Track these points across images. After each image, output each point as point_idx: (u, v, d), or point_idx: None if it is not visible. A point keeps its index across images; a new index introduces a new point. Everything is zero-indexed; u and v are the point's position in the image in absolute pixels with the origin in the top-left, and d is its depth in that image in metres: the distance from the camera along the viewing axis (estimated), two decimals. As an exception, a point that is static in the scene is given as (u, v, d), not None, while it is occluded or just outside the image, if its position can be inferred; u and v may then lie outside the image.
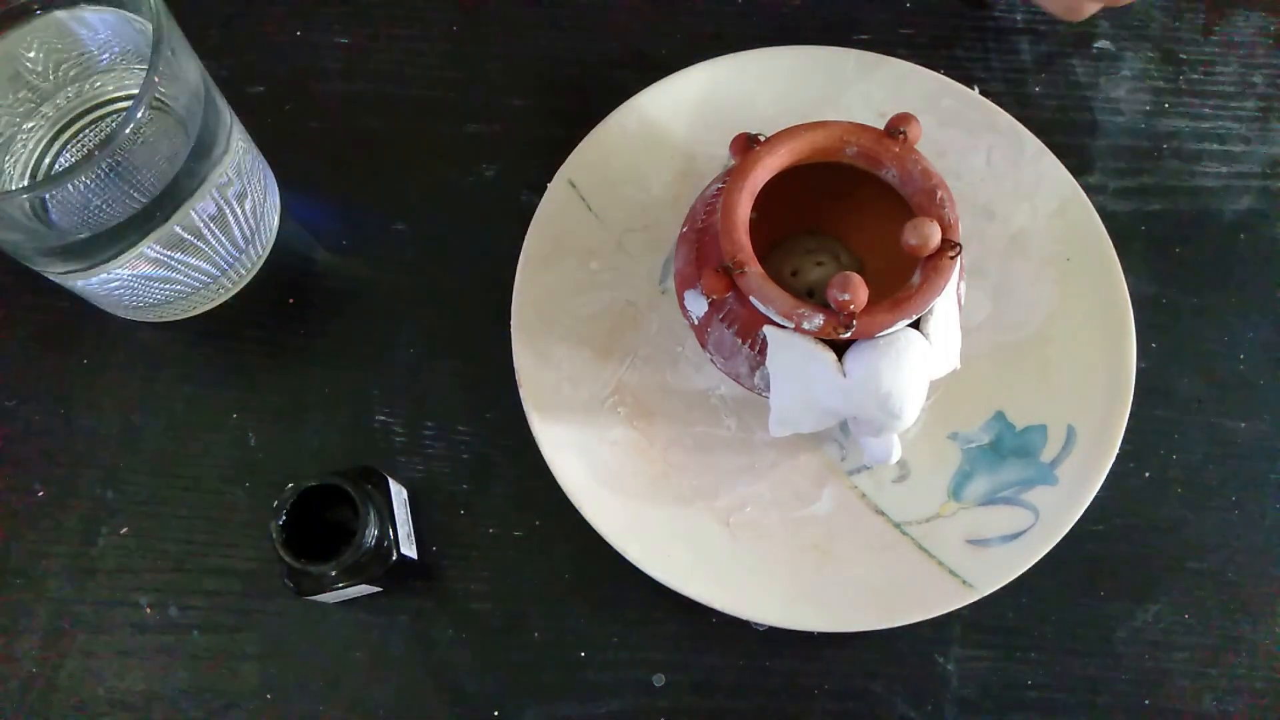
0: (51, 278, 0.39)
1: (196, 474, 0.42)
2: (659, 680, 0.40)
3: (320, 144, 0.46)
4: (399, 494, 0.40)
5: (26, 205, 0.33)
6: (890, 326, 0.34)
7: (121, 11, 0.38)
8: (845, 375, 0.35)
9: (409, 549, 0.40)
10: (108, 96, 0.40)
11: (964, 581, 0.39)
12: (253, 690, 0.40)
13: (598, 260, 0.43)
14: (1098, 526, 0.42)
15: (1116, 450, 0.41)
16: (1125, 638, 0.41)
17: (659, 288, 0.43)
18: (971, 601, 0.39)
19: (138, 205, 0.36)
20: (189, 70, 0.36)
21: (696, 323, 0.38)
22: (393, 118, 0.47)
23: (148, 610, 0.41)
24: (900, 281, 0.35)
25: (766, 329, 0.35)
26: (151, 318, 0.43)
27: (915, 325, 0.35)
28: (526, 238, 0.42)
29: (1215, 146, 0.47)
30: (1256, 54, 0.49)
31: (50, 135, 0.39)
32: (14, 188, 0.38)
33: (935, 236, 0.34)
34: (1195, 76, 0.48)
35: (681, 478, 0.41)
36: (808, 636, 0.40)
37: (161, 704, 0.40)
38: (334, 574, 0.37)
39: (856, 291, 0.33)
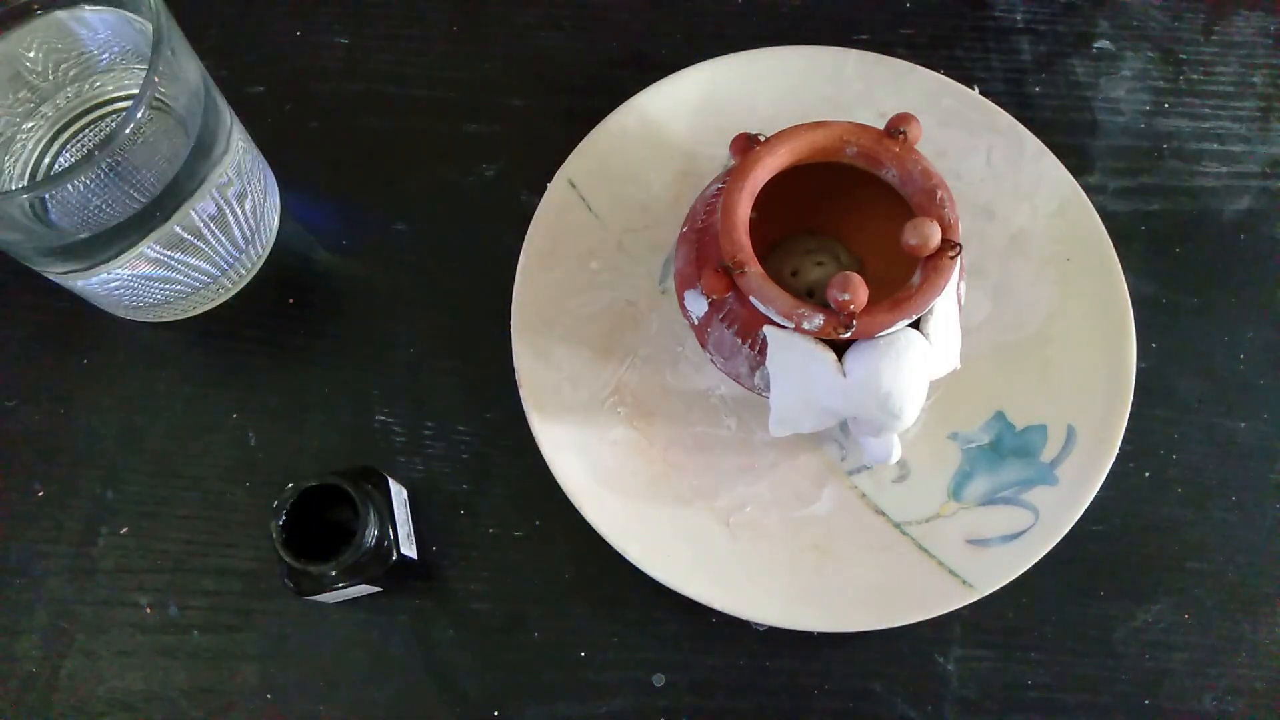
0: (51, 278, 0.39)
1: (196, 474, 0.42)
2: (659, 680, 0.40)
3: (320, 144, 0.46)
4: (399, 494, 0.40)
5: (26, 205, 0.33)
6: (890, 326, 0.34)
7: (121, 11, 0.38)
8: (845, 375, 0.35)
9: (409, 549, 0.40)
10: (108, 96, 0.40)
11: (964, 581, 0.39)
12: (253, 690, 0.40)
13: (598, 260, 0.43)
14: (1098, 526, 0.42)
15: (1116, 450, 0.41)
16: (1125, 638, 0.41)
17: (659, 288, 0.43)
18: (971, 601, 0.39)
19: (138, 205, 0.36)
20: (189, 70, 0.36)
21: (696, 323, 0.38)
22: (393, 118, 0.47)
23: (148, 610, 0.41)
24: (900, 281, 0.35)
25: (766, 329, 0.35)
26: (151, 318, 0.43)
27: (915, 325, 0.35)
28: (526, 238, 0.42)
29: (1215, 146, 0.47)
30: (1256, 54, 0.49)
31: (50, 135, 0.39)
32: (14, 188, 0.39)
33: (935, 236, 0.34)
34: (1195, 76, 0.48)
35: (681, 478, 0.41)
36: (808, 636, 0.40)
37: (161, 704, 0.40)
38: (334, 574, 0.37)
39: (856, 291, 0.33)
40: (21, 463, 0.42)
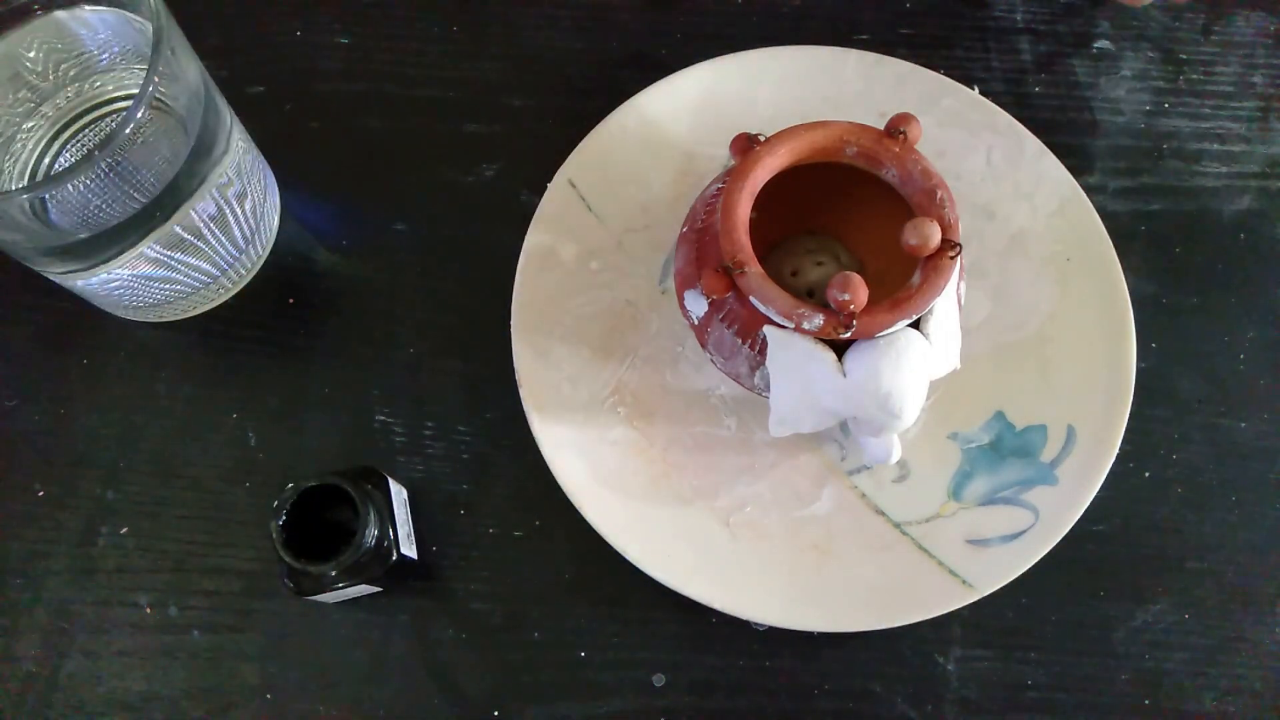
0: (51, 278, 0.39)
1: (196, 474, 0.42)
2: (659, 680, 0.40)
3: (320, 144, 0.46)
4: (399, 494, 0.40)
5: (26, 205, 0.33)
6: (890, 326, 0.34)
7: (121, 11, 0.38)
8: (845, 375, 0.35)
9: (409, 549, 0.40)
10: (108, 96, 0.40)
11: (964, 581, 0.39)
12: (253, 690, 0.40)
13: (598, 260, 0.43)
14: (1098, 526, 0.42)
15: (1116, 450, 0.41)
16: (1125, 638, 0.41)
17: (659, 288, 0.43)
18: (971, 601, 0.39)
19: (138, 205, 0.36)
20: (189, 70, 0.36)
21: (696, 323, 0.38)
22: (393, 118, 0.47)
23: (148, 610, 0.41)
24: (900, 281, 0.35)
25: (766, 329, 0.35)
26: (151, 318, 0.43)
27: (915, 325, 0.35)
28: (526, 238, 0.42)
29: (1215, 146, 0.47)
30: (1256, 54, 0.49)
31: (50, 135, 0.39)
32: (14, 188, 0.38)
33: (935, 236, 0.34)
34: (1195, 76, 0.48)
35: (681, 478, 0.41)
36: (808, 636, 0.40)
37: (161, 704, 0.40)
38: (334, 574, 0.37)
39: (856, 291, 0.33)
40: (21, 463, 0.42)
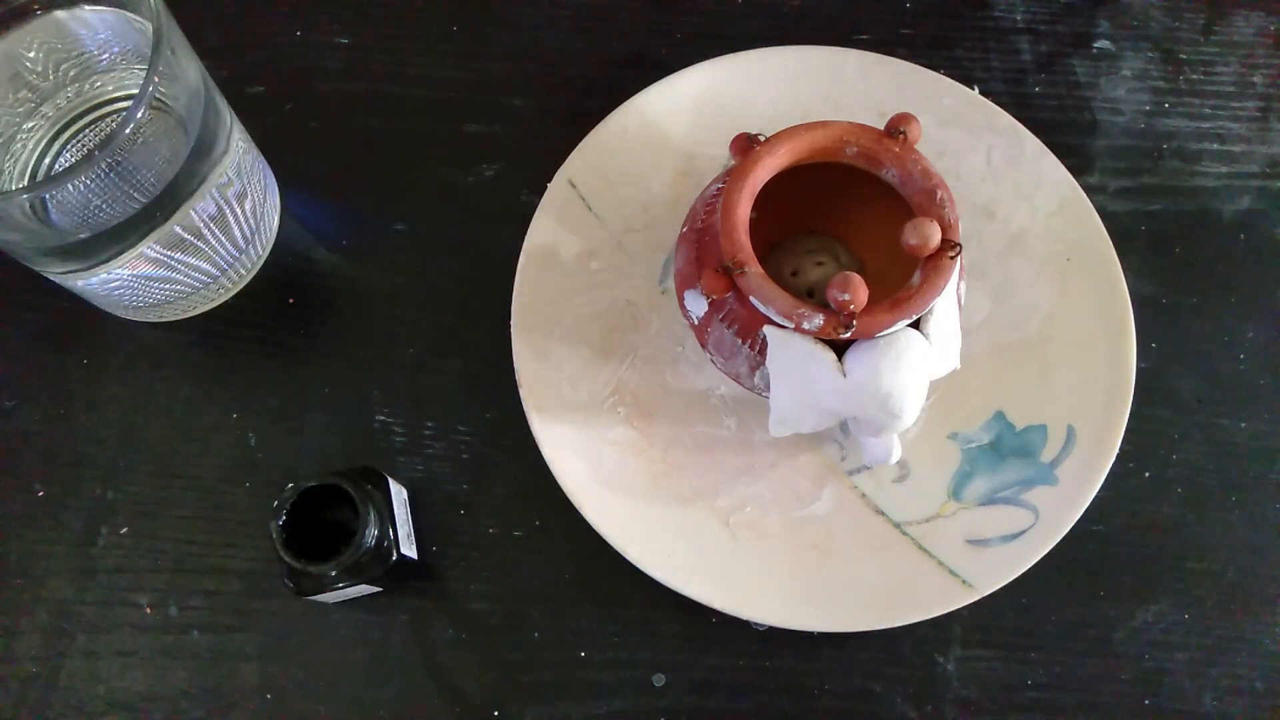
0: (51, 278, 0.39)
1: (196, 474, 0.42)
2: (659, 680, 0.40)
3: (320, 144, 0.46)
4: (399, 494, 0.40)
5: (26, 205, 0.33)
6: (890, 326, 0.34)
7: (121, 11, 0.38)
8: (845, 375, 0.35)
9: (409, 549, 0.40)
10: (108, 96, 0.40)
11: (964, 581, 0.39)
12: (253, 690, 0.40)
13: (598, 260, 0.43)
14: (1098, 526, 0.42)
15: (1116, 450, 0.41)
16: (1125, 638, 0.41)
17: (659, 288, 0.43)
18: (971, 601, 0.39)
19: (138, 205, 0.36)
20: (189, 70, 0.36)
21: (696, 323, 0.38)
22: (393, 118, 0.47)
23: (148, 610, 0.41)
24: (900, 281, 0.35)
25: (766, 329, 0.35)
26: (151, 318, 0.43)
27: (915, 325, 0.35)
28: (526, 238, 0.42)
29: (1215, 146, 0.47)
30: (1256, 54, 0.49)
31: (50, 135, 0.39)
32: (14, 188, 0.38)
33: (935, 236, 0.34)
34: (1195, 76, 0.48)
35: (681, 478, 0.41)
36: (808, 636, 0.40)
37: (161, 704, 0.40)
38: (334, 574, 0.37)
39: (856, 291, 0.33)
40: (21, 463, 0.42)
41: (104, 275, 0.38)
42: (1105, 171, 0.47)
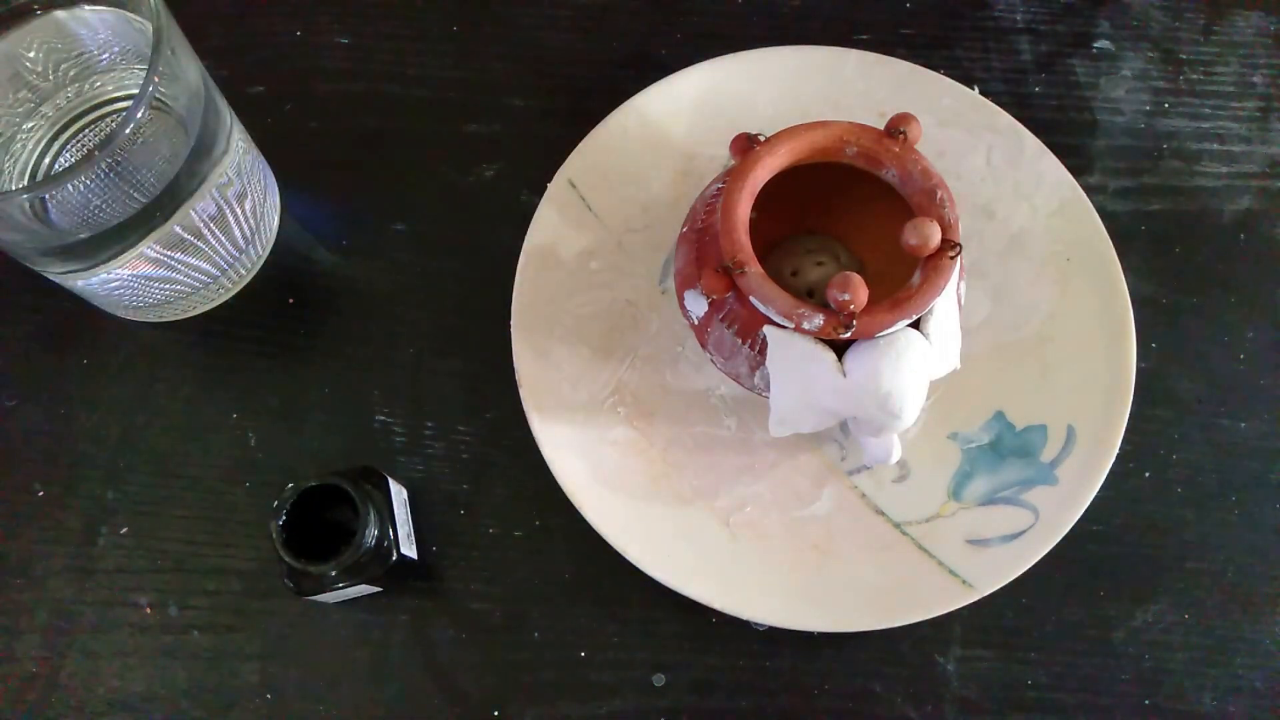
0: (51, 278, 0.39)
1: (196, 474, 0.42)
2: (659, 680, 0.40)
3: (320, 144, 0.46)
4: (399, 494, 0.40)
5: (26, 205, 0.33)
6: (890, 326, 0.34)
7: (121, 11, 0.38)
8: (845, 375, 0.35)
9: (409, 549, 0.40)
10: (108, 96, 0.40)
11: (964, 581, 0.39)
12: (253, 690, 0.40)
13: (598, 260, 0.43)
14: (1098, 526, 0.42)
15: (1116, 450, 0.41)
16: (1125, 638, 0.41)
17: (659, 288, 0.43)
18: (971, 601, 0.39)
19: (138, 205, 0.36)
20: (189, 70, 0.36)
21: (696, 323, 0.38)
22: (393, 118, 0.47)
23: (148, 610, 0.41)
24: (900, 281, 0.35)
25: (766, 329, 0.35)
26: (151, 318, 0.43)
27: (915, 325, 0.35)
28: (526, 237, 0.42)
29: (1215, 146, 0.47)
30: (1256, 54, 0.49)
31: (50, 135, 0.39)
32: (14, 188, 0.38)
33: (935, 236, 0.34)
34: (1195, 76, 0.48)
35: (681, 478, 0.41)
36: (808, 636, 0.40)
37: (161, 704, 0.40)
38: (334, 574, 0.37)
39: (856, 291, 0.33)
40: (21, 463, 0.42)
41: (104, 275, 0.38)
42: (1105, 171, 0.47)
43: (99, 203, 0.34)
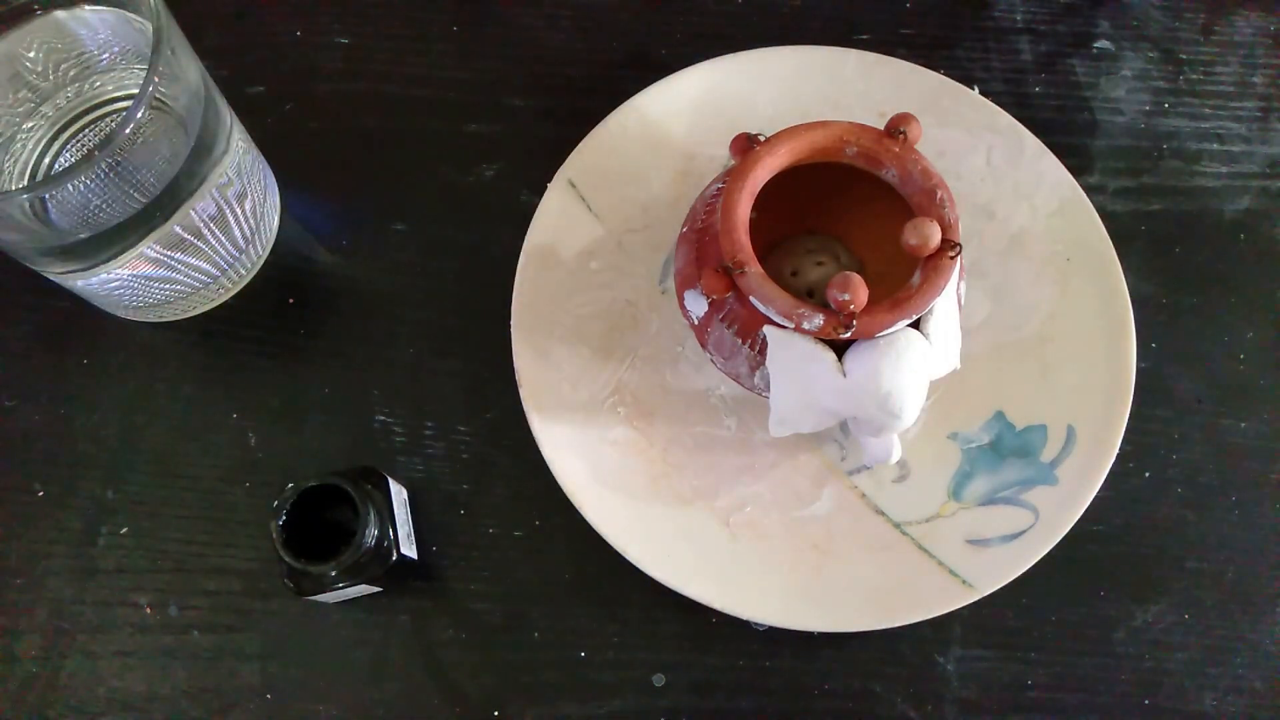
0: (51, 278, 0.39)
1: (196, 474, 0.42)
2: (659, 680, 0.40)
3: (320, 144, 0.46)
4: (399, 494, 0.40)
5: (26, 205, 0.33)
6: (890, 326, 0.34)
7: (121, 11, 0.38)
8: (845, 375, 0.35)
9: (409, 549, 0.40)
10: (108, 96, 0.40)
11: (964, 581, 0.39)
12: (253, 690, 0.40)
13: (598, 260, 0.43)
14: (1098, 526, 0.42)
15: (1116, 450, 0.41)
16: (1125, 638, 0.41)
17: (659, 288, 0.43)
18: (971, 601, 0.39)
19: (138, 205, 0.36)
20: (189, 70, 0.36)
21: (696, 323, 0.38)
22: (393, 118, 0.47)
23: (148, 610, 0.41)
24: (900, 281, 0.35)
25: (766, 329, 0.35)
26: (151, 318, 0.43)
27: (915, 325, 0.35)
28: (526, 238, 0.42)
29: (1215, 146, 0.47)
30: (1256, 54, 0.49)
31: (50, 135, 0.39)
32: (14, 188, 0.38)
33: (935, 236, 0.34)
34: (1195, 76, 0.48)
35: (681, 478, 0.41)
36: (808, 636, 0.40)
37: (161, 704, 0.40)
38: (334, 574, 0.37)
39: (856, 291, 0.33)
40: (21, 463, 0.42)
41: (104, 275, 0.38)
42: (1105, 171, 0.47)
43: (99, 203, 0.34)
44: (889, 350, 0.34)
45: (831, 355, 0.35)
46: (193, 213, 0.38)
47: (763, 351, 0.36)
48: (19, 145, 0.39)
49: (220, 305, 0.44)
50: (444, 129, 0.47)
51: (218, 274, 0.42)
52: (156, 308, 0.42)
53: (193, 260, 0.40)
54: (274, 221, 0.45)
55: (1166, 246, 0.46)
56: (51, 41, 0.39)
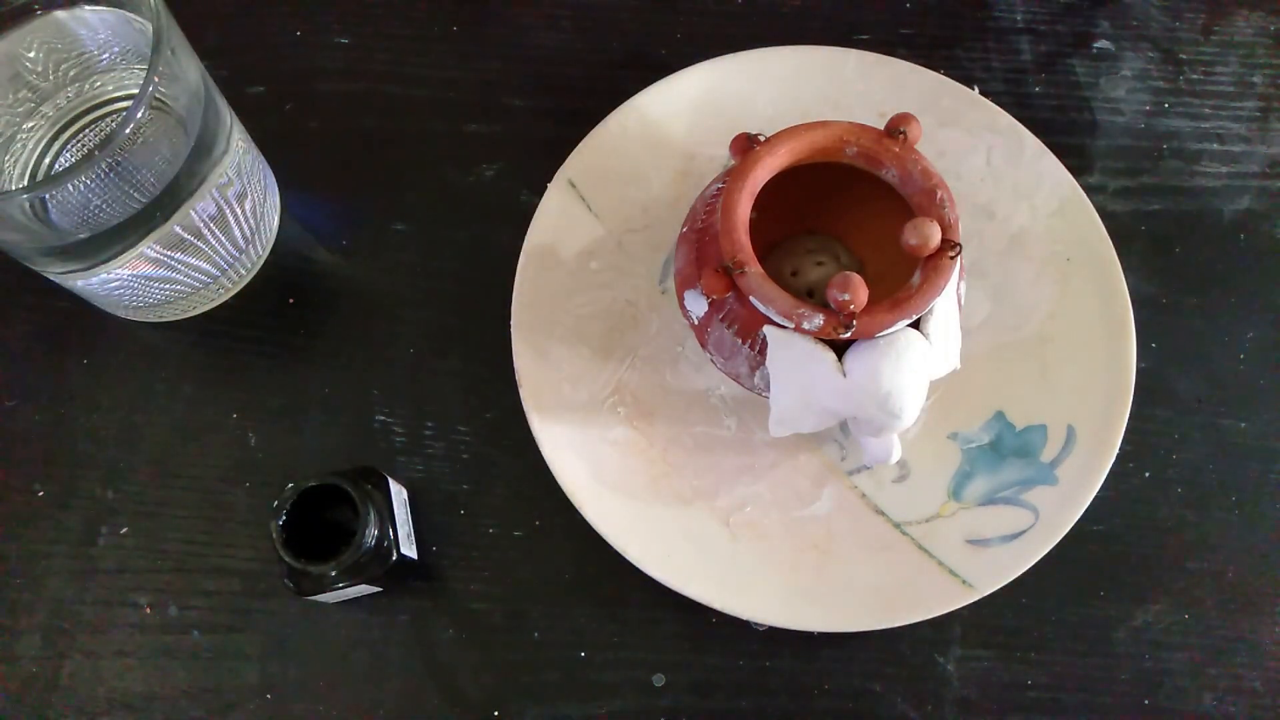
0: (51, 278, 0.39)
1: (196, 474, 0.42)
2: (659, 680, 0.40)
3: (320, 144, 0.46)
4: (399, 494, 0.40)
5: (26, 205, 0.33)
6: (890, 326, 0.34)
7: (121, 11, 0.38)
8: (845, 375, 0.35)
9: (409, 549, 0.40)
10: (108, 96, 0.40)
11: (964, 581, 0.39)
12: (253, 690, 0.40)
13: (598, 260, 0.43)
14: (1098, 526, 0.42)
15: (1116, 450, 0.41)
16: (1125, 638, 0.41)
17: (659, 288, 0.43)
18: (971, 601, 0.39)
19: (138, 205, 0.36)
20: (189, 70, 0.36)
21: (696, 323, 0.38)
22: (393, 118, 0.47)
23: (148, 610, 0.41)
24: (900, 281, 0.35)
25: (766, 329, 0.35)
26: (151, 318, 0.43)
27: (915, 325, 0.35)
28: (526, 238, 0.42)
29: (1215, 146, 0.47)
30: (1256, 54, 0.49)
31: (50, 135, 0.39)
32: (14, 188, 0.39)
33: (935, 236, 0.34)
34: (1195, 76, 0.48)
35: (681, 478, 0.41)
36: (808, 636, 0.40)
37: (161, 704, 0.40)
38: (334, 574, 0.37)
39: (856, 291, 0.33)
40: (21, 463, 0.42)
41: (104, 275, 0.38)
42: (1105, 171, 0.47)
43: (99, 203, 0.34)
44: (889, 350, 0.34)
45: (831, 355, 0.35)
46: (193, 213, 0.38)
47: (763, 351, 0.36)
48: (19, 145, 0.39)
49: (220, 305, 0.44)
50: (444, 129, 0.47)
51: (218, 274, 0.42)
52: (156, 308, 0.42)
53: (193, 260, 0.40)
54: (274, 221, 0.45)
55: (1166, 246, 0.46)
56: (51, 41, 0.39)
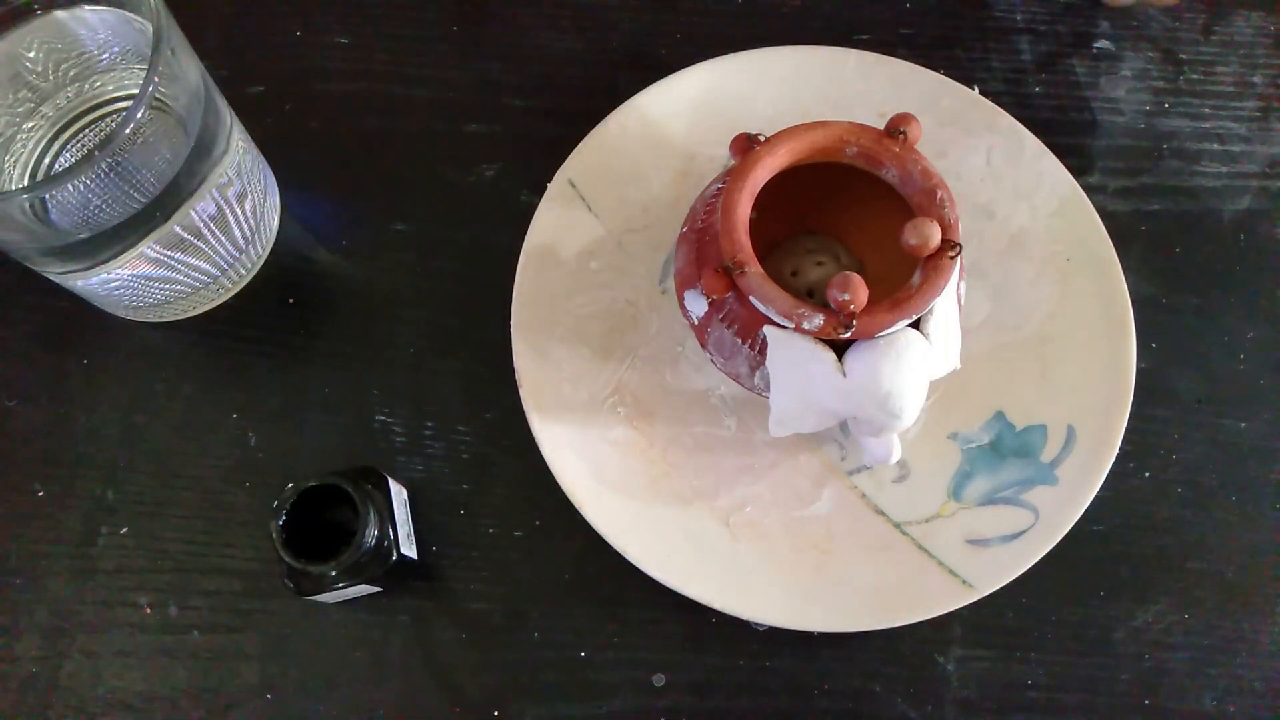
0: (51, 278, 0.39)
1: (196, 474, 0.42)
2: (659, 680, 0.40)
3: (320, 144, 0.46)
4: (399, 494, 0.40)
5: (26, 205, 0.33)
6: (890, 326, 0.34)
7: (121, 11, 0.38)
8: (845, 375, 0.35)
9: (409, 549, 0.40)
10: (108, 96, 0.40)
11: (964, 581, 0.39)
12: (253, 690, 0.40)
13: (598, 260, 0.43)
14: (1098, 526, 0.42)
15: (1116, 450, 0.41)
16: (1125, 638, 0.41)
17: (659, 288, 0.43)
18: (971, 601, 0.39)
19: (138, 205, 0.36)
20: (189, 70, 0.36)
21: (696, 323, 0.38)
22: (393, 118, 0.47)
23: (148, 610, 0.41)
24: (900, 281, 0.35)
25: (766, 329, 0.35)
26: (151, 318, 0.43)
27: (915, 325, 0.35)
28: (526, 238, 0.42)
29: (1215, 146, 0.47)
30: (1256, 54, 0.49)
31: (50, 135, 0.39)
32: (14, 188, 0.39)
33: (935, 236, 0.34)
34: (1195, 76, 0.48)
35: (681, 478, 0.41)
36: (808, 636, 0.40)
37: (161, 704, 0.40)
38: (334, 574, 0.37)
39: (856, 291, 0.33)
40: (21, 463, 0.42)
41: (104, 275, 0.38)
42: (1105, 171, 0.47)
43: (99, 203, 0.34)
44: (889, 350, 0.34)
45: (831, 355, 0.35)
46: (193, 213, 0.38)
47: (763, 351, 0.36)
48: (19, 145, 0.39)
49: (220, 305, 0.44)
50: (444, 129, 0.47)
51: (218, 274, 0.42)
52: (156, 308, 0.42)
53: (193, 260, 0.40)
54: (274, 221, 0.45)
55: (1166, 246, 0.46)
56: (51, 41, 0.39)
